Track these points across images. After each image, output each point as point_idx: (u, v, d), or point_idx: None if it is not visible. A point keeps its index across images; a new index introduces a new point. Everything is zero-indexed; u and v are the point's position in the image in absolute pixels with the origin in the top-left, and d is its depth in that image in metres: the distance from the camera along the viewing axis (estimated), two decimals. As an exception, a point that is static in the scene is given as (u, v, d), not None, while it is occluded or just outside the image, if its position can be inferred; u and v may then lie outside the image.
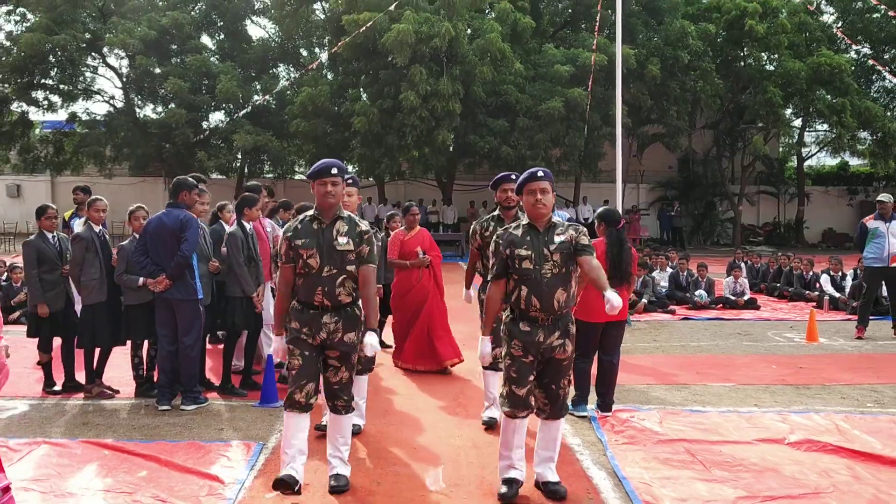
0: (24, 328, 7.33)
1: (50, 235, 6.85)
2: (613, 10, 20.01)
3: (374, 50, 21.47)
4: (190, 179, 6.62)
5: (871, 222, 9.82)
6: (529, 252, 4.10)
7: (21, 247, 6.98)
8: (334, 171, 4.23)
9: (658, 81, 23.12)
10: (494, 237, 4.33)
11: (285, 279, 4.29)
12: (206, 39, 27.91)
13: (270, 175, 28.42)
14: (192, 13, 26.90)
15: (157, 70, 25.22)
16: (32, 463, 4.83)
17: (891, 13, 21.75)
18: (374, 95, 22.31)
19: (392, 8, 20.07)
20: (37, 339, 6.88)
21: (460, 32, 21.34)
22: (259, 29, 32.23)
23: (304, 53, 28.74)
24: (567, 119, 22.26)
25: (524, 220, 4.25)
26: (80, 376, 6.79)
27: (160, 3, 26.62)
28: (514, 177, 5.14)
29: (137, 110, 27.37)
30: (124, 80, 27.11)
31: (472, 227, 5.74)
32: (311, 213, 4.31)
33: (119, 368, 7.06)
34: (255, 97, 24.31)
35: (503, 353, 4.22)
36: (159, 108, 26.99)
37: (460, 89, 21.47)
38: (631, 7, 23.41)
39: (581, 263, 4.11)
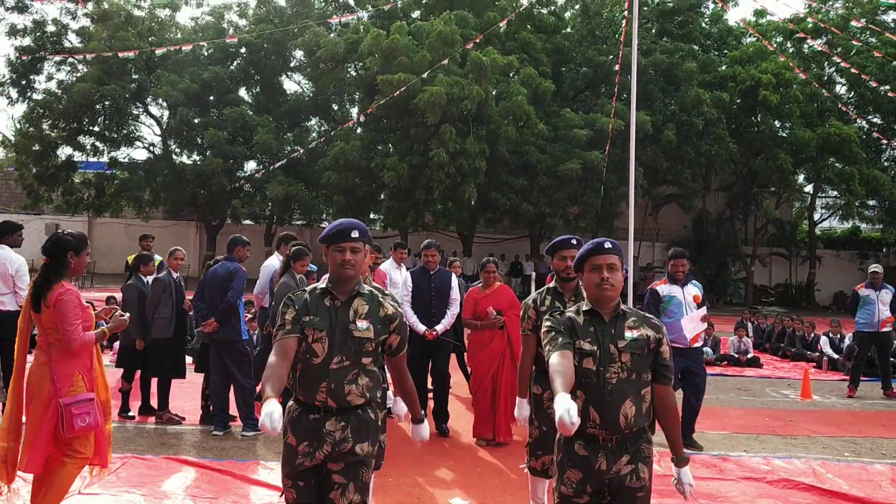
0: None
1: (146, 279, 7.92)
2: (630, 76, 21.32)
3: (406, 109, 22.69)
4: (244, 238, 7.65)
5: (862, 290, 10.70)
6: (594, 347, 3.11)
7: (123, 289, 8.03)
8: (355, 233, 3.33)
9: (674, 145, 24.17)
10: (546, 318, 3.28)
11: (284, 350, 3.20)
12: (242, 92, 29.42)
13: (299, 222, 29.53)
14: (232, 68, 28.50)
15: (197, 120, 26.71)
16: (126, 472, 5.78)
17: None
18: (404, 151, 23.48)
19: (426, 74, 21.25)
20: (122, 370, 7.94)
21: (489, 95, 22.53)
22: (293, 84, 33.71)
23: (335, 108, 30.18)
24: (585, 179, 23.34)
25: (584, 305, 3.26)
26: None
27: (202, 58, 28.15)
28: (574, 241, 4.62)
29: (175, 157, 28.78)
30: (164, 128, 28.59)
31: (524, 303, 4.79)
32: (321, 284, 3.41)
33: (183, 399, 8.05)
34: (291, 149, 25.60)
35: (555, 480, 3.28)
36: (196, 157, 28.40)
37: (486, 148, 22.61)
38: (648, 74, 24.58)
39: (657, 395, 3.20)
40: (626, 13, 19.39)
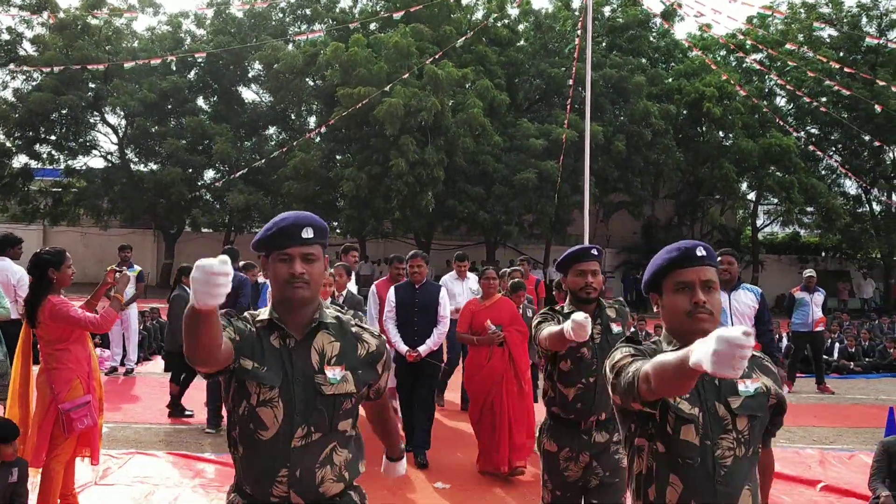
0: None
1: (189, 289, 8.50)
2: (583, 89, 22.24)
3: (366, 120, 23.23)
4: (237, 251, 8.33)
5: (798, 293, 11.59)
6: (694, 410, 2.15)
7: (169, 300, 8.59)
8: (308, 232, 2.28)
9: (624, 155, 25.10)
10: (621, 346, 2.28)
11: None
12: (200, 101, 29.62)
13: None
14: (189, 77, 28.71)
15: (155, 129, 26.88)
16: (134, 466, 6.28)
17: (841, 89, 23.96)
18: (364, 161, 24.02)
19: (387, 88, 21.85)
20: (170, 374, 8.58)
21: (445, 106, 23.20)
22: (251, 93, 33.96)
23: (293, 117, 30.55)
24: (539, 188, 24.14)
25: (665, 344, 2.28)
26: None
27: (159, 68, 28.31)
28: (595, 251, 3.71)
29: (132, 166, 28.85)
30: (121, 137, 28.66)
31: (534, 322, 3.78)
32: (262, 314, 2.34)
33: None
34: (250, 158, 25.91)
35: None
36: (154, 166, 28.52)
37: (444, 158, 23.28)
38: (599, 87, 25.52)
39: (760, 462, 2.28)
40: (578, 30, 20.25)
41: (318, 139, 26.28)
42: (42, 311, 4.75)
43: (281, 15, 29.15)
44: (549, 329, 3.43)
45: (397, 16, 21.73)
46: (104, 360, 11.34)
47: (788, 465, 6.80)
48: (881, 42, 27.18)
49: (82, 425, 4.80)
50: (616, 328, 3.65)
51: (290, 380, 2.25)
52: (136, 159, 29.12)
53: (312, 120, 31.14)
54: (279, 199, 26.48)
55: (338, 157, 26.73)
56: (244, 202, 24.90)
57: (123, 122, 28.55)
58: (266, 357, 2.25)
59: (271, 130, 30.46)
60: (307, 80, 27.22)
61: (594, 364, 3.57)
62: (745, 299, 6.28)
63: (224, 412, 7.32)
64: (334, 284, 6.49)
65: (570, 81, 21.40)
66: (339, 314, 2.44)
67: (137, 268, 10.45)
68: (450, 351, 8.77)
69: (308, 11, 28.74)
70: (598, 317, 3.69)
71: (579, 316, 3.09)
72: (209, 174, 28.41)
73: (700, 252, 2.26)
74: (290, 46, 27.21)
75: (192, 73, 28.86)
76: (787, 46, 26.03)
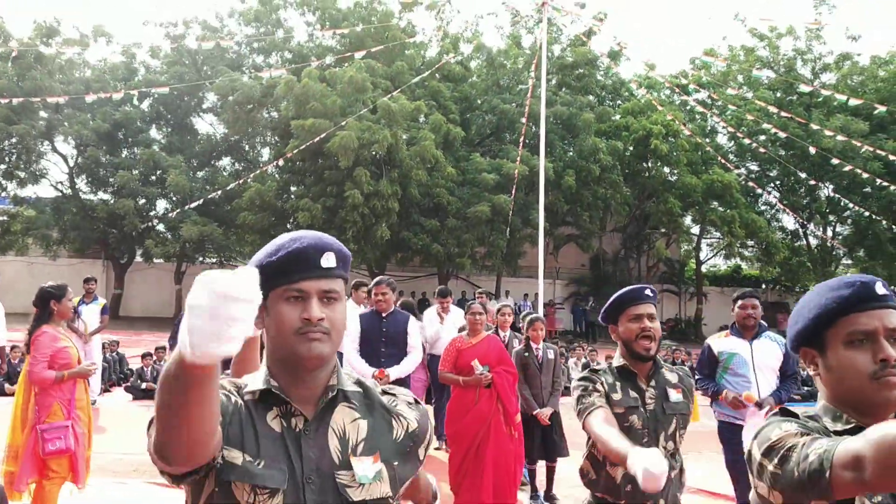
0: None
1: None
2: (534, 125, 22.97)
3: (320, 152, 23.54)
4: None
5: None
6: None
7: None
8: (329, 259, 1.66)
9: (573, 190, 25.79)
10: (774, 430, 1.63)
11: None
12: (153, 132, 29.59)
13: (213, 261, 29.62)
14: (143, 108, 28.69)
15: (105, 159, 26.72)
16: (114, 495, 6.44)
17: (778, 133, 25.06)
18: (319, 193, 24.27)
19: (345, 123, 22.23)
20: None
21: (398, 139, 23.63)
22: (205, 124, 33.94)
23: (247, 148, 30.69)
24: (492, 221, 24.67)
25: (827, 418, 1.73)
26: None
27: (113, 98, 28.25)
28: (649, 292, 3.25)
29: (83, 195, 28.58)
30: (72, 166, 28.42)
31: (575, 392, 3.16)
32: (251, 380, 1.67)
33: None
34: (204, 189, 25.91)
35: None
36: (106, 196, 28.30)
37: (398, 190, 23.67)
38: (550, 124, 26.27)
39: None
40: (532, 71, 20.93)
41: (273, 171, 26.45)
42: (33, 340, 5.20)
43: (237, 47, 29.39)
44: (607, 432, 2.73)
45: (359, 55, 22.12)
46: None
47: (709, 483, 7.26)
48: (814, 87, 28.62)
49: (53, 447, 5.14)
50: (675, 395, 3.10)
51: (300, 480, 1.56)
52: (87, 189, 28.88)
53: (266, 151, 31.33)
54: (233, 231, 26.51)
55: (292, 188, 26.92)
56: (198, 233, 24.88)
57: (75, 152, 28.33)
58: (262, 446, 1.56)
59: (225, 161, 30.52)
60: (262, 111, 27.44)
61: (646, 436, 3.05)
62: (770, 349, 5.41)
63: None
64: None
65: (524, 118, 22.03)
66: (359, 377, 1.77)
67: (102, 300, 10.57)
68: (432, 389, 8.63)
69: (264, 44, 29.03)
70: (653, 377, 3.17)
71: (656, 467, 2.23)
72: (162, 204, 28.31)
73: (881, 289, 1.70)
74: (246, 77, 27.44)
75: (146, 103, 28.83)
76: (729, 91, 27.12)
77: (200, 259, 28.59)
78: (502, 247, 25.37)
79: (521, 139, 21.68)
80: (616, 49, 27.19)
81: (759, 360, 5.36)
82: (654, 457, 2.26)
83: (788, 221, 31.57)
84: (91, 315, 10.45)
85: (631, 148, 28.28)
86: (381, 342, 6.38)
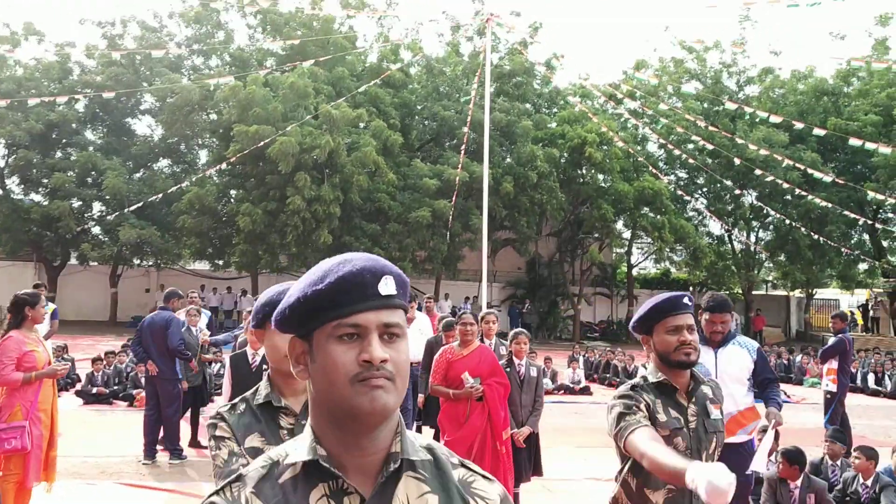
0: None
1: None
2: (474, 132, 23.56)
3: (262, 157, 23.67)
4: (179, 291, 8.70)
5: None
6: None
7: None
8: (387, 285, 1.33)
9: (511, 196, 26.48)
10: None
11: None
12: (89, 133, 29.15)
13: (149, 264, 29.19)
14: (78, 108, 28.22)
15: (35, 159, 26.20)
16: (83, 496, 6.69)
17: (705, 143, 26.17)
18: (260, 197, 24.37)
19: (289, 128, 22.42)
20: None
21: (339, 145, 23.92)
22: (143, 125, 33.52)
23: (184, 149, 30.46)
24: (433, 226, 25.17)
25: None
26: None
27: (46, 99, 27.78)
28: (687, 300, 2.95)
29: (14, 197, 27.98)
30: (3, 167, 27.81)
31: (614, 411, 2.85)
32: (292, 450, 1.34)
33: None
34: (141, 192, 25.68)
35: None
36: (38, 197, 27.76)
37: (340, 195, 23.96)
38: (489, 131, 26.92)
39: None
40: (475, 80, 21.49)
41: (213, 174, 26.41)
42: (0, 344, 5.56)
43: (177, 49, 29.18)
44: (656, 448, 2.53)
45: (307, 64, 22.33)
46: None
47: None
48: (739, 97, 29.97)
49: (9, 445, 5.55)
50: (715, 412, 2.92)
51: None
52: (18, 190, 28.28)
53: (204, 154, 31.17)
54: (172, 234, 26.38)
55: (232, 192, 26.93)
56: (136, 236, 24.69)
57: (6, 152, 27.73)
58: None
59: (163, 163, 30.26)
60: (202, 114, 27.35)
61: (689, 458, 2.67)
62: (737, 358, 5.13)
63: (159, 446, 7.83)
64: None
65: (466, 126, 22.59)
66: (430, 442, 1.44)
67: (52, 305, 10.63)
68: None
69: (204, 46, 28.92)
70: (693, 394, 2.95)
71: (721, 480, 2.13)
72: (97, 207, 27.91)
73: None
74: (185, 80, 27.32)
75: (81, 104, 28.38)
76: (661, 107, 28.12)
77: (138, 262, 28.28)
78: (443, 251, 25.89)
79: (463, 146, 22.26)
80: (552, 59, 28.03)
81: (722, 370, 5.01)
82: (718, 470, 2.14)
83: (715, 227, 33.01)
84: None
85: (566, 155, 29.12)
86: None
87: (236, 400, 2.26)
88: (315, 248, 24.35)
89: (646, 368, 2.96)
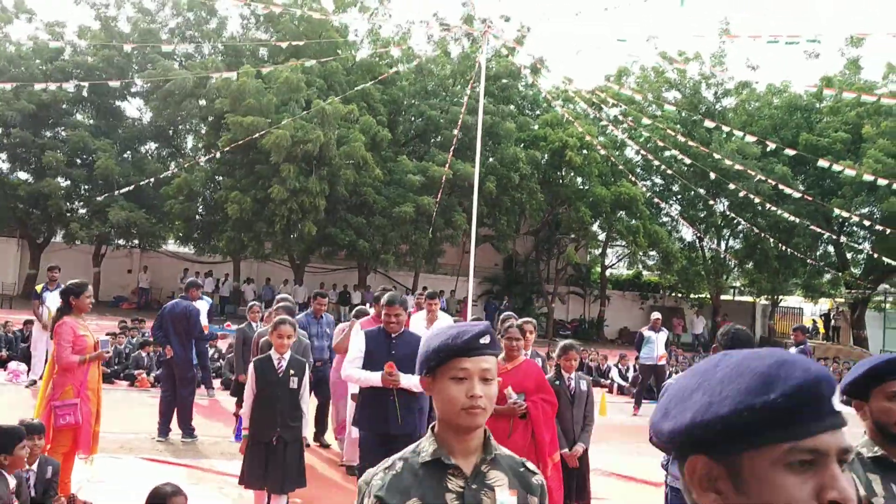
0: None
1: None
2: (461, 132, 24.28)
3: (253, 146, 24.19)
4: (199, 282, 9.40)
5: (646, 332, 13.83)
6: None
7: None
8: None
9: (493, 195, 27.24)
10: None
11: None
12: (79, 115, 29.41)
13: (134, 245, 29.47)
14: (70, 89, 28.44)
15: (27, 138, 26.48)
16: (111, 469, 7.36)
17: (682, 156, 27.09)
18: (248, 185, 24.91)
19: (283, 123, 22.94)
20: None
21: (330, 139, 24.51)
22: (133, 108, 33.61)
23: (171, 133, 30.82)
24: (416, 221, 25.88)
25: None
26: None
27: (39, 78, 27.95)
28: None
29: (2, 175, 28.20)
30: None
31: None
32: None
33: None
34: (131, 174, 26.06)
35: None
36: (26, 175, 28.02)
37: (326, 188, 24.56)
38: (474, 132, 27.62)
39: None
40: (471, 82, 22.18)
41: (203, 161, 26.88)
42: (56, 329, 6.33)
43: (168, 35, 29.51)
44: None
45: (302, 62, 22.81)
46: (19, 374, 12.04)
47: (641, 472, 8.71)
48: (716, 108, 30.98)
49: (64, 421, 6.25)
50: None
51: None
52: (6, 168, 28.51)
53: (191, 139, 31.58)
54: (159, 217, 26.81)
55: (218, 178, 27.38)
56: (125, 218, 25.10)
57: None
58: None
59: (150, 146, 30.60)
60: (193, 101, 27.75)
61: None
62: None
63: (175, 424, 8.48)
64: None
65: (457, 129, 23.32)
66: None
67: (53, 291, 11.20)
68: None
69: (196, 34, 29.29)
70: None
71: None
72: (86, 187, 28.22)
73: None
74: (176, 65, 27.70)
75: (72, 85, 28.61)
76: (644, 121, 28.85)
77: (124, 244, 28.63)
78: (425, 245, 26.61)
79: (452, 147, 23.02)
80: (536, 64, 28.74)
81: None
82: None
83: (687, 233, 34.05)
84: (55, 302, 11.05)
85: (547, 157, 29.94)
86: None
87: (393, 458, 1.97)
88: (300, 237, 24.97)
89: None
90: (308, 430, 5.73)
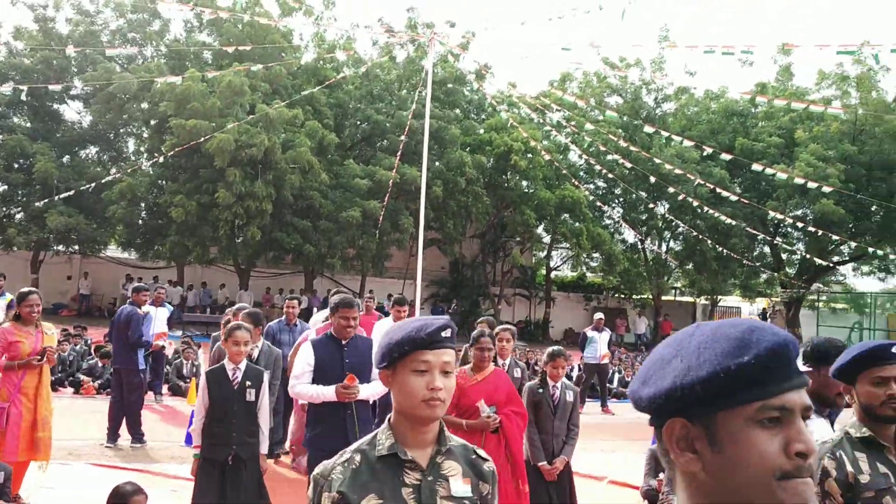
0: None
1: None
2: (408, 137, 24.46)
3: (197, 150, 24.01)
4: (145, 286, 9.39)
5: (589, 332, 14.20)
6: None
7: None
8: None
9: (440, 199, 27.46)
10: None
11: None
12: (15, 118, 28.75)
13: (73, 251, 28.92)
14: (5, 91, 27.80)
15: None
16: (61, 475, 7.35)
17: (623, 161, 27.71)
18: (193, 190, 24.69)
19: (228, 127, 22.82)
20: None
21: (275, 143, 24.45)
22: (72, 111, 32.99)
23: (113, 137, 30.31)
24: (363, 225, 25.97)
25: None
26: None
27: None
28: None
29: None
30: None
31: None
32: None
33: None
34: (70, 179, 25.60)
35: None
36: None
37: (272, 192, 24.50)
38: (420, 136, 27.83)
39: None
40: (412, 90, 22.39)
41: (146, 165, 26.54)
42: None
43: (110, 37, 29.06)
44: None
45: (250, 66, 22.70)
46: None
47: (583, 467, 9.00)
48: (656, 113, 31.74)
49: None
50: None
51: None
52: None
53: (132, 142, 31.12)
54: (101, 222, 26.38)
55: (161, 182, 27.05)
56: (64, 224, 24.64)
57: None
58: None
59: (91, 150, 30.07)
60: (136, 104, 27.40)
61: None
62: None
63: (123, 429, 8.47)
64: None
65: (404, 134, 23.49)
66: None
67: (9, 296, 11.06)
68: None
69: (139, 36, 28.89)
70: None
71: None
72: (21, 192, 27.61)
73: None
74: (118, 68, 27.29)
75: (9, 88, 27.96)
76: (587, 126, 29.45)
77: (63, 250, 28.07)
78: (372, 249, 26.71)
79: (399, 151, 23.20)
80: (481, 69, 29.09)
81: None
82: None
83: (629, 235, 34.77)
84: (-2, 309, 10.94)
85: (492, 161, 30.33)
86: (342, 376, 5.03)
87: (350, 451, 2.00)
88: (246, 242, 24.86)
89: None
90: (264, 447, 5.35)
